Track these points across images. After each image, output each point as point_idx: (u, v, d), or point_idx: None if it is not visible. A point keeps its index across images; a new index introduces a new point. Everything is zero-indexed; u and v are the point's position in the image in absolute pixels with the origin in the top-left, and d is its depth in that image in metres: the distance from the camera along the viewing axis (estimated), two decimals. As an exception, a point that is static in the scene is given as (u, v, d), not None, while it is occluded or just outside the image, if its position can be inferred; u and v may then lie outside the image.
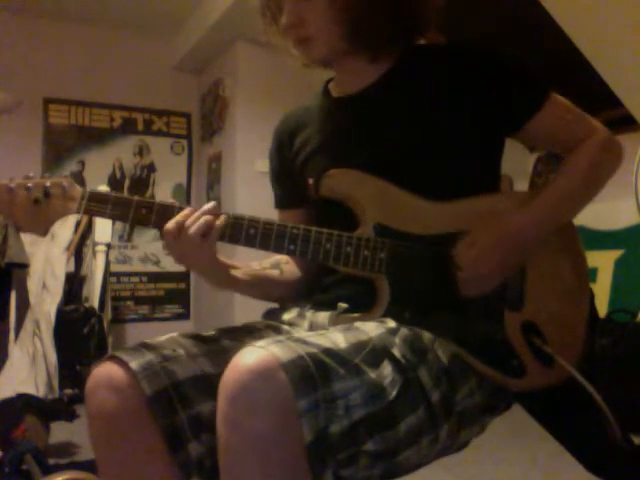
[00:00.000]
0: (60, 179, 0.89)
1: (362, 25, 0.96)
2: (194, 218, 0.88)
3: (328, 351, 0.75)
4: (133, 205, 0.88)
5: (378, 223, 0.92)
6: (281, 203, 1.16)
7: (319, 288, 1.05)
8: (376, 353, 0.79)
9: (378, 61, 1.01)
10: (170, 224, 0.87)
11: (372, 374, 0.76)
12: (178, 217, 0.88)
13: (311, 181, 0.95)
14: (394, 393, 0.77)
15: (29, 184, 0.87)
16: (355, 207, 0.94)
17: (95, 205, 0.88)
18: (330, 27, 0.97)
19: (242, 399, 0.68)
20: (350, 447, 0.73)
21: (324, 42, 0.98)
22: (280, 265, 1.08)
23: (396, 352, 0.81)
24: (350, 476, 0.75)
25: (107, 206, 0.88)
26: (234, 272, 1.00)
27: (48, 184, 0.87)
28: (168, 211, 0.89)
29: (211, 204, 0.91)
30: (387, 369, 0.78)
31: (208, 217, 0.89)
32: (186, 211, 0.89)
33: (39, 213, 0.87)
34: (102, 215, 0.89)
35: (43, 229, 0.90)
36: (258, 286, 1.05)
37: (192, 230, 0.87)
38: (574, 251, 1.01)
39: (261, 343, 0.72)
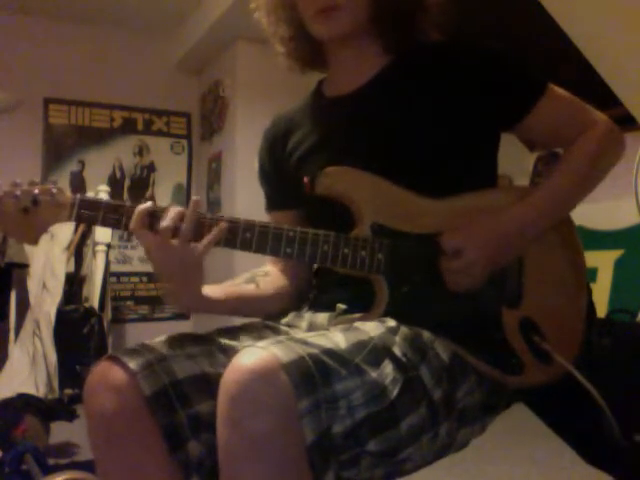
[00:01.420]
0: (48, 186, 0.86)
1: (389, 9, 0.97)
2: (188, 217, 0.84)
3: (329, 351, 0.75)
4: (125, 212, 0.85)
5: (375, 222, 0.92)
6: (272, 205, 1.15)
7: (317, 289, 1.05)
8: (377, 352, 0.79)
9: (384, 54, 1.01)
10: (164, 222, 0.82)
11: (373, 374, 0.76)
12: (171, 214, 0.83)
13: (306, 179, 0.93)
14: (395, 392, 0.77)
15: (17, 192, 0.84)
16: (352, 206, 0.93)
17: (86, 212, 0.86)
18: (362, 2, 0.96)
19: (242, 400, 0.68)
20: (353, 448, 0.73)
21: (351, 15, 0.96)
22: (256, 279, 1.05)
23: (397, 351, 0.81)
24: (351, 478, 0.75)
25: (99, 213, 0.85)
26: (206, 291, 0.94)
27: (37, 192, 0.85)
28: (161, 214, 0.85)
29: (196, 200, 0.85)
30: (388, 368, 0.78)
31: (190, 215, 0.84)
32: (179, 209, 0.84)
33: (28, 222, 0.85)
34: (94, 222, 0.86)
35: (33, 238, 0.87)
36: (232, 304, 0.99)
37: (184, 229, 0.83)
38: (572, 247, 1.01)
39: (262, 344, 0.72)
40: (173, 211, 0.85)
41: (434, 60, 0.99)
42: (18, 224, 0.85)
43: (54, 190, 0.86)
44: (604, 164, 1.00)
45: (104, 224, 0.86)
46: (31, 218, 0.85)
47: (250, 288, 1.03)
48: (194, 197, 0.87)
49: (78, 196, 0.86)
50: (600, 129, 0.99)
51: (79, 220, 0.87)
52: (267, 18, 1.07)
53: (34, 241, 0.88)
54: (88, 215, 0.86)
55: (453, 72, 0.97)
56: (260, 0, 1.07)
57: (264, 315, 1.05)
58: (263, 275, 1.07)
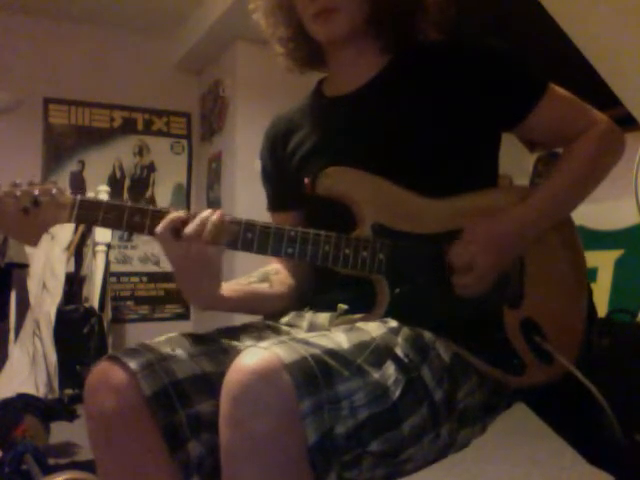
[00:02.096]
0: (49, 186, 0.86)
1: (387, 10, 0.97)
2: (200, 223, 0.84)
3: (331, 352, 0.74)
4: (126, 212, 0.86)
5: (376, 223, 0.92)
6: (274, 205, 1.15)
7: (318, 290, 1.05)
8: (379, 353, 0.79)
9: (383, 54, 1.02)
10: (190, 227, 0.83)
11: (375, 374, 0.76)
12: (197, 220, 0.84)
13: (307, 180, 0.93)
14: (398, 393, 0.77)
15: (17, 193, 0.84)
16: (353, 207, 0.93)
17: (86, 213, 0.86)
18: (359, 3, 0.96)
19: (245, 400, 0.68)
20: (355, 448, 0.73)
21: (349, 17, 0.96)
22: (269, 277, 1.05)
23: (399, 352, 0.81)
24: (353, 478, 0.75)
25: (99, 214, 0.85)
26: (223, 291, 0.95)
27: (36, 192, 0.84)
28: (161, 217, 0.86)
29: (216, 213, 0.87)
30: (390, 369, 0.78)
31: (216, 220, 0.85)
32: (206, 212, 0.85)
33: (29, 223, 0.85)
34: (94, 223, 0.86)
35: (34, 239, 0.87)
36: (247, 302, 1.00)
37: (206, 234, 0.83)
38: (572, 247, 1.01)
39: (264, 344, 0.72)
40: (199, 217, 0.85)
41: (434, 60, 0.99)
42: (18, 225, 0.85)
43: (54, 191, 0.85)
44: (604, 164, 1.00)
45: (104, 225, 0.86)
46: (31, 219, 0.85)
47: (264, 287, 1.04)
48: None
49: (78, 197, 0.86)
50: (601, 129, 0.99)
51: (79, 221, 0.87)
52: (265, 20, 1.07)
53: (34, 242, 0.87)
54: (88, 216, 0.86)
55: (453, 71, 0.96)
56: (258, 1, 1.07)
57: (275, 314, 1.05)
58: (275, 273, 1.07)
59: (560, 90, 0.99)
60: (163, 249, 0.86)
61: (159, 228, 0.84)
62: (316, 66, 1.10)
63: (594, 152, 0.98)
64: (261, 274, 1.06)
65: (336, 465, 0.72)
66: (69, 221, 0.86)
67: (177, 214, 0.85)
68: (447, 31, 1.03)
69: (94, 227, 2.67)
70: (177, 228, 0.84)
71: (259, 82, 3.67)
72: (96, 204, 0.86)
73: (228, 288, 0.96)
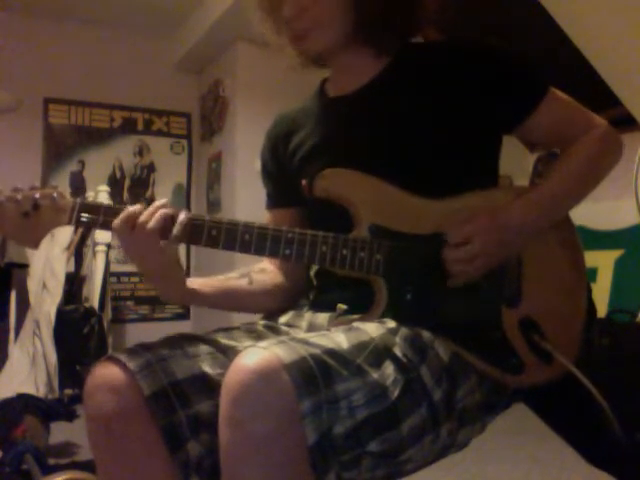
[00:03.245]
0: (49, 190, 0.87)
1: (366, 14, 0.96)
2: (148, 214, 0.85)
3: (330, 352, 0.75)
4: None
5: (373, 224, 0.92)
6: (273, 203, 1.15)
7: (317, 290, 1.05)
8: (378, 353, 0.79)
9: (381, 57, 1.01)
10: (118, 220, 0.84)
11: (374, 374, 0.76)
12: (127, 212, 0.85)
13: (304, 182, 0.93)
14: (396, 393, 0.77)
15: (18, 197, 0.85)
16: (350, 208, 0.93)
17: (86, 216, 0.86)
18: (335, 15, 0.96)
19: (245, 401, 0.68)
20: (354, 448, 0.73)
21: (330, 30, 0.97)
22: (250, 274, 1.05)
23: (397, 351, 0.81)
24: (353, 478, 0.75)
25: (98, 217, 0.86)
26: (191, 284, 0.95)
27: (37, 196, 0.85)
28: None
29: (164, 200, 0.87)
30: (389, 369, 0.78)
31: (165, 211, 0.86)
32: (137, 206, 0.85)
33: (29, 226, 0.86)
34: (94, 226, 0.87)
35: (34, 242, 0.88)
36: (224, 298, 1.00)
37: (149, 225, 0.84)
38: (572, 246, 1.01)
39: (263, 344, 0.72)
40: (150, 208, 0.85)
41: (434, 60, 0.99)
42: (19, 228, 0.86)
43: (54, 194, 0.86)
44: (604, 164, 1.00)
45: (104, 228, 0.87)
46: (32, 222, 0.86)
47: (242, 283, 1.03)
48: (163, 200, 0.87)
49: (78, 200, 0.87)
50: (600, 132, 0.99)
51: (79, 224, 0.88)
52: (265, 27, 1.07)
53: (35, 245, 0.88)
54: (88, 219, 0.87)
55: (453, 72, 0.96)
56: (258, 13, 1.07)
57: (259, 312, 1.05)
58: (258, 271, 1.07)
59: (560, 93, 1.00)
60: (119, 242, 0.86)
61: (116, 221, 0.85)
62: (321, 65, 1.10)
63: (593, 153, 0.98)
64: (243, 271, 1.05)
65: (335, 465, 0.72)
66: (69, 224, 0.87)
67: (135, 207, 0.85)
68: (447, 31, 1.03)
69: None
70: (133, 221, 0.85)
71: (259, 82, 3.67)
72: (96, 208, 0.87)
73: (201, 282, 0.97)
